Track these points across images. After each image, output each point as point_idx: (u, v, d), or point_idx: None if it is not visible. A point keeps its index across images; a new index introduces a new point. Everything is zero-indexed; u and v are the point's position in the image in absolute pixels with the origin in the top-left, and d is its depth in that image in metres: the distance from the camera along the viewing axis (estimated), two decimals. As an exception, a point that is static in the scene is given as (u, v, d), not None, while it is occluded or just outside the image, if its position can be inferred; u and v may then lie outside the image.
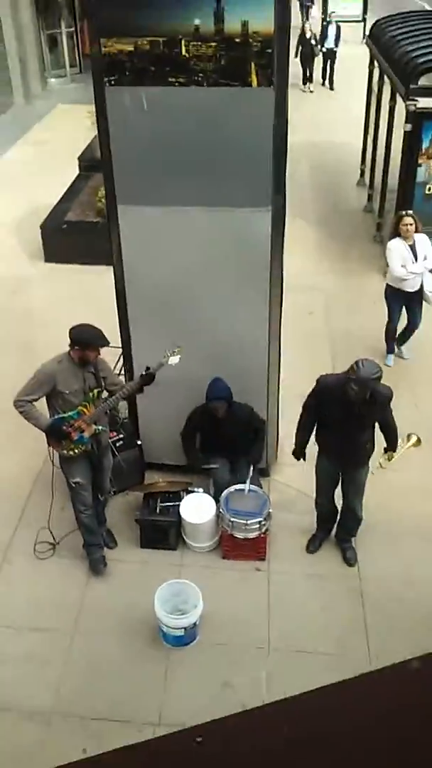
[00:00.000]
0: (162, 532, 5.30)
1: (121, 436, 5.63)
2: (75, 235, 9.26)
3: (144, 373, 4.76)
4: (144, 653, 4.70)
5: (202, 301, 5.13)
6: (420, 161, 8.23)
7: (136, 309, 5.23)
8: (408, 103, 7.98)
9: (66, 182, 11.20)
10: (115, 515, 5.57)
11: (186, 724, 4.14)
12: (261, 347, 5.32)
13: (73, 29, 18.33)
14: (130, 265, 5.05)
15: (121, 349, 5.90)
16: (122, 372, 5.96)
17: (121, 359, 5.80)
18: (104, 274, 8.98)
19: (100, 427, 4.88)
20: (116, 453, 5.53)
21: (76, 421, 4.75)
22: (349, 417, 4.62)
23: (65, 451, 4.84)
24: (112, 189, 4.79)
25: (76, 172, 11.36)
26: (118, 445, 5.58)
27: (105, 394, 4.85)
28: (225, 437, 5.40)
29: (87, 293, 8.65)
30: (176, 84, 4.28)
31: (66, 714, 4.35)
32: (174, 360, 4.74)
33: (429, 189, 8.37)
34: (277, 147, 4.47)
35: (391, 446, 4.98)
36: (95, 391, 4.78)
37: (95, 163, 10.59)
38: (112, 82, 4.30)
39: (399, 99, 8.39)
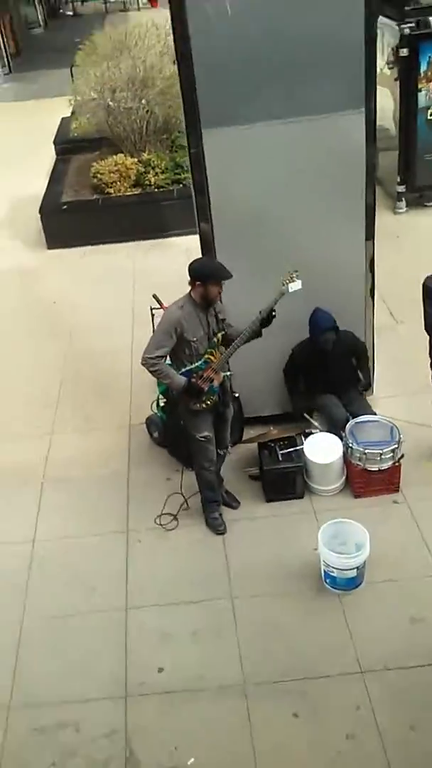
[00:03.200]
0: (289, 481, 4.95)
1: (221, 390, 5.23)
2: (76, 215, 8.74)
3: (258, 317, 4.37)
4: (314, 604, 4.35)
5: (293, 225, 4.78)
6: (420, 86, 8.03)
7: (224, 243, 4.81)
8: (402, 26, 7.77)
9: (40, 170, 10.68)
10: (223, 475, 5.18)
11: (388, 666, 3.95)
12: (359, 271, 5.02)
13: (-6, 27, 17.67)
14: (216, 195, 4.64)
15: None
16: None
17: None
18: (112, 253, 8.68)
19: (228, 373, 4.54)
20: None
21: (205, 371, 4.38)
22: None
23: (197, 405, 4.45)
24: (194, 113, 4.37)
25: (49, 158, 10.84)
26: (218, 400, 5.19)
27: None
28: (331, 370, 5.08)
29: (100, 273, 8.26)
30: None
31: (260, 682, 3.96)
32: (295, 286, 4.34)
33: (431, 114, 8.19)
34: (369, 36, 4.16)
35: None
36: (219, 335, 4.41)
37: (72, 145, 10.33)
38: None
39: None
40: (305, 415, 5.21)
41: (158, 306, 5.22)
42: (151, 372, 4.32)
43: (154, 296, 5.22)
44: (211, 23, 4.05)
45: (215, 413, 4.60)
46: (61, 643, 4.25)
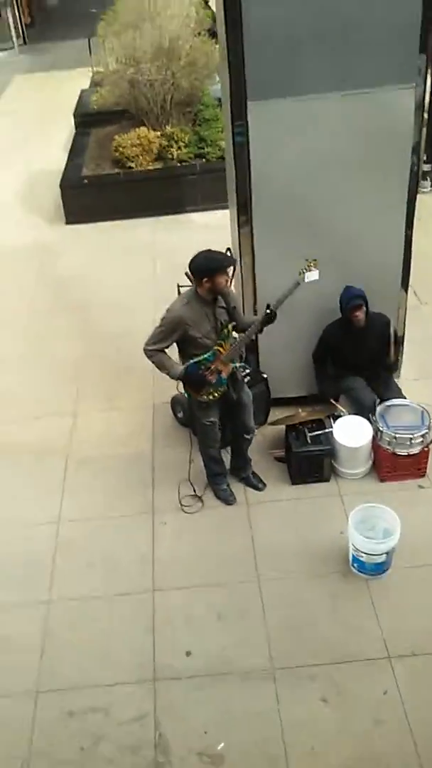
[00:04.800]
0: (316, 464, 4.89)
1: (248, 370, 5.16)
2: (96, 190, 8.61)
3: (266, 311, 4.29)
4: (341, 589, 4.32)
5: (335, 201, 4.67)
6: None
7: (262, 218, 4.72)
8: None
9: (59, 143, 10.55)
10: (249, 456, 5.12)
11: (415, 651, 3.92)
12: (396, 252, 4.91)
13: (13, -2, 17.35)
14: (258, 170, 4.53)
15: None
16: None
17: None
18: (132, 228, 8.56)
19: (237, 365, 4.49)
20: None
21: (213, 363, 4.33)
22: None
23: (205, 397, 4.41)
24: (240, 83, 4.25)
25: (67, 131, 10.69)
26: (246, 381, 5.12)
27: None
28: (362, 351, 4.99)
29: (120, 249, 8.15)
30: None
31: (288, 666, 3.94)
32: (312, 276, 4.29)
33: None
34: (426, 9, 4.02)
35: None
36: (229, 326, 4.33)
37: (92, 118, 10.15)
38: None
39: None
40: (332, 401, 5.13)
41: (190, 284, 5.12)
42: (151, 362, 4.34)
43: (187, 274, 5.12)
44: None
45: (226, 401, 4.54)
46: (88, 626, 4.23)
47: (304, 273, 4.27)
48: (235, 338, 4.39)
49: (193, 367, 4.32)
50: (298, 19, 4.04)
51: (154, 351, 4.29)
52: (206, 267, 4.12)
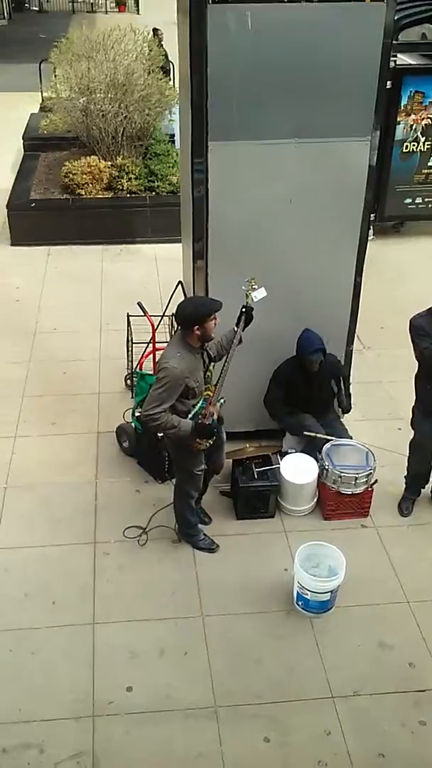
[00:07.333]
0: (262, 499, 4.92)
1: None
2: (44, 213, 8.54)
3: (242, 310, 4.23)
4: (285, 626, 4.33)
5: (288, 246, 4.80)
6: (398, 118, 8.25)
7: (217, 258, 4.78)
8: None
9: (5, 165, 10.43)
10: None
11: (358, 691, 3.95)
12: (345, 296, 5.07)
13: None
14: (215, 209, 4.60)
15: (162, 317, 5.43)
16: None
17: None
18: (80, 254, 8.51)
19: (222, 400, 4.34)
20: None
21: (206, 409, 4.20)
22: None
23: (205, 444, 4.27)
24: (202, 124, 4.33)
25: (14, 153, 10.59)
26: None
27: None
28: (314, 391, 5.09)
29: (66, 274, 8.08)
30: (284, 0, 3.94)
31: (230, 704, 3.89)
32: (259, 294, 4.26)
33: (406, 147, 8.41)
34: (383, 69, 4.23)
35: None
36: (210, 368, 4.30)
37: (41, 142, 10.11)
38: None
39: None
40: (306, 432, 5.08)
41: (142, 314, 5.13)
42: (154, 426, 4.12)
43: (139, 304, 5.13)
44: (231, 37, 4.04)
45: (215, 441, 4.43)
46: (24, 659, 4.07)
47: (251, 293, 4.25)
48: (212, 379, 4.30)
49: (195, 420, 4.18)
50: (259, 67, 4.17)
51: (159, 414, 4.03)
52: (197, 314, 4.01)
